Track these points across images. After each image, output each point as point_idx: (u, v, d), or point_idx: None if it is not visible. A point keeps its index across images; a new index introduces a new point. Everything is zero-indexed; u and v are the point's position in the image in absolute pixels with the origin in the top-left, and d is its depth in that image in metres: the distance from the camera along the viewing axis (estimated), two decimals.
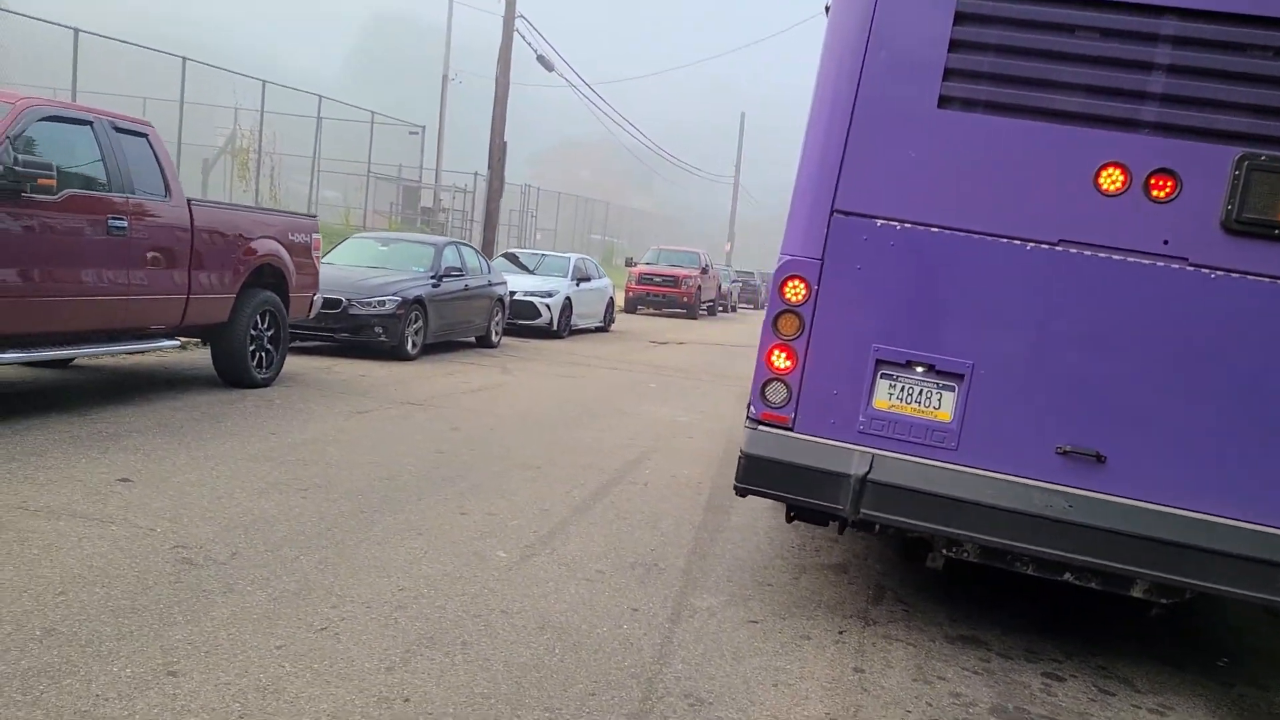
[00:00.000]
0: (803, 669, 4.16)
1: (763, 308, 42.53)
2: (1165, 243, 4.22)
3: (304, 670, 3.54)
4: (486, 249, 23.45)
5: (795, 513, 4.93)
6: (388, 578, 4.58)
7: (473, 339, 15.33)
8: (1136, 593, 4.42)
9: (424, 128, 34.54)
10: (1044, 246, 4.34)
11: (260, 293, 9.17)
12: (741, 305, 42.24)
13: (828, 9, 4.76)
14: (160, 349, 8.26)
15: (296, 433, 7.39)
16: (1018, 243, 4.37)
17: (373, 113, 31.23)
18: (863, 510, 4.44)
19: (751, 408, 4.70)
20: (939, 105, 4.42)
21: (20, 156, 6.38)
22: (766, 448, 4.60)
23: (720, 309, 35.73)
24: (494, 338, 15.74)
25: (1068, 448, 4.33)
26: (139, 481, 5.65)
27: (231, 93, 24.70)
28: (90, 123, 7.32)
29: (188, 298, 8.14)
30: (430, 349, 13.50)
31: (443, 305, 13.74)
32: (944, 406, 4.49)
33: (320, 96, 28.07)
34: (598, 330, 21.03)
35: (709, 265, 32.91)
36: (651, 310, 29.82)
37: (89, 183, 7.16)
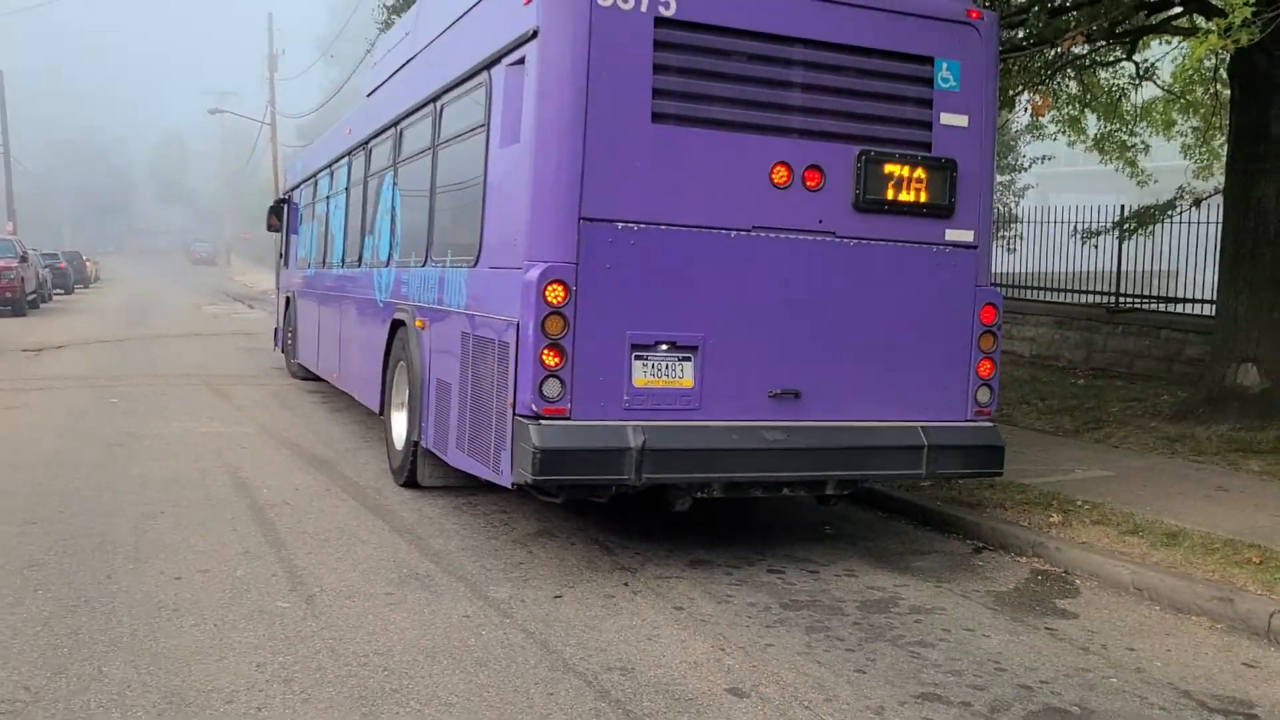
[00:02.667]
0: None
1: (74, 292, 37.17)
2: (820, 221, 5.54)
3: None
4: None
5: (569, 492, 5.46)
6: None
7: None
8: (829, 490, 5.81)
9: None
10: (741, 233, 5.39)
11: None
12: (55, 293, 37.23)
13: None
14: None
15: None
16: (723, 232, 5.37)
17: None
18: (644, 475, 5.15)
19: (530, 405, 5.08)
20: (652, 120, 5.19)
21: None
22: (555, 439, 5.07)
23: (40, 300, 31.37)
24: None
25: (777, 390, 5.51)
26: None
27: None
28: None
29: None
30: None
31: None
32: (686, 375, 5.38)
33: None
34: None
35: (28, 252, 28.78)
36: None
37: None
